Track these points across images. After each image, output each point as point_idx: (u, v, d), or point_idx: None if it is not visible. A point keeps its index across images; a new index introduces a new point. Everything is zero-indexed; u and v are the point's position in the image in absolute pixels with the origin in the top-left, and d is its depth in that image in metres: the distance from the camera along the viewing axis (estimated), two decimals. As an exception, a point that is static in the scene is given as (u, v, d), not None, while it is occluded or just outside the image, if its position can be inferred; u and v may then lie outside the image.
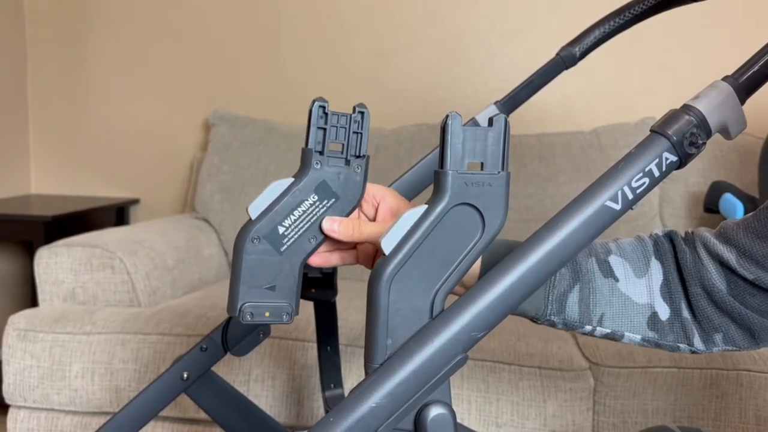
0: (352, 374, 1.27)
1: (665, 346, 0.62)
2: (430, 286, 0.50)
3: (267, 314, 0.59)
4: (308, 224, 0.59)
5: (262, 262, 0.58)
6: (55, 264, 1.50)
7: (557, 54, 0.90)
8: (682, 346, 0.62)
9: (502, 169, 0.50)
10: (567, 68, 0.91)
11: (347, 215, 0.61)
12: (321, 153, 0.59)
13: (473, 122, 0.88)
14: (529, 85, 0.92)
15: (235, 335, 0.87)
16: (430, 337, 0.47)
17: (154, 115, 2.25)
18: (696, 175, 1.81)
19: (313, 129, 0.58)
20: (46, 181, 2.34)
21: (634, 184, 0.48)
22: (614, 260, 0.63)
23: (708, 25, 1.96)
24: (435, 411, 0.48)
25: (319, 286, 0.88)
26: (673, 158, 0.49)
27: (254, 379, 1.32)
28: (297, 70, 2.16)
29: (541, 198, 1.81)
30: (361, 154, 0.60)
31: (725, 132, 0.50)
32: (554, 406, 1.24)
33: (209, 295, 1.60)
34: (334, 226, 0.59)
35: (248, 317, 0.58)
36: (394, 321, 0.49)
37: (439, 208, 0.50)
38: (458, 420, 0.49)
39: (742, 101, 0.50)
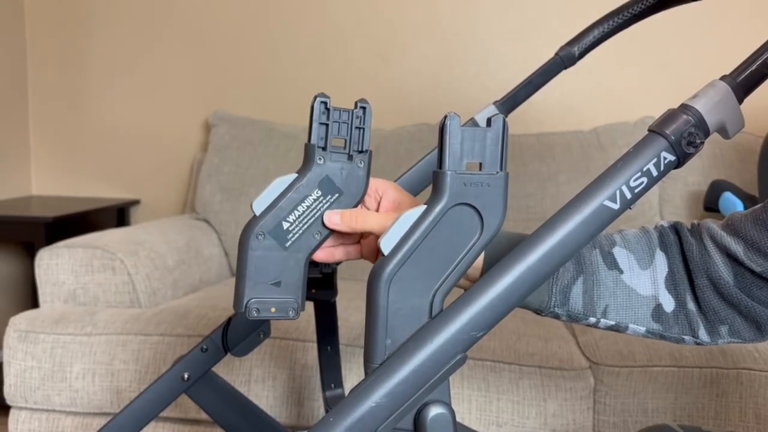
0: (352, 374, 1.27)
1: (670, 338, 0.62)
2: (430, 286, 0.50)
3: (273, 310, 0.59)
4: (312, 219, 0.59)
5: (267, 258, 0.58)
6: (56, 265, 1.50)
7: (556, 54, 0.90)
8: (686, 338, 0.62)
9: (501, 169, 0.50)
10: (566, 68, 0.91)
11: None
12: (324, 148, 0.59)
13: (472, 122, 0.88)
14: (528, 85, 0.92)
15: (235, 336, 0.87)
16: (429, 337, 0.47)
17: (154, 116, 2.25)
18: (696, 174, 1.81)
19: (315, 124, 0.58)
20: (47, 182, 2.34)
21: (633, 184, 0.49)
22: (618, 252, 0.63)
23: (707, 24, 1.96)
24: (434, 410, 0.48)
25: (319, 287, 0.88)
26: (672, 158, 0.49)
27: (255, 380, 1.32)
28: (296, 70, 2.16)
29: (540, 197, 1.81)
30: (364, 149, 0.60)
31: (723, 131, 0.51)
32: (555, 405, 1.24)
33: (210, 295, 1.60)
34: (335, 218, 0.59)
35: (254, 313, 0.58)
36: (394, 321, 0.49)
37: (437, 209, 0.50)
38: (459, 419, 0.49)
39: (740, 100, 0.50)
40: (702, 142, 0.49)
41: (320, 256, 0.62)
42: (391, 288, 0.49)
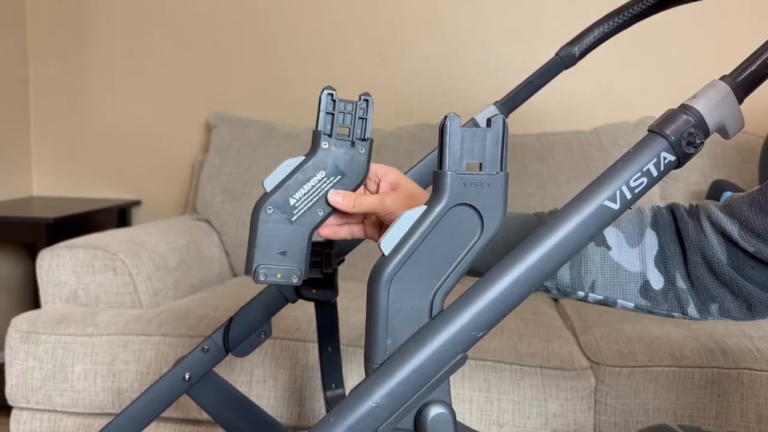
0: (353, 374, 1.27)
1: (659, 314, 0.65)
2: (430, 286, 0.50)
3: (278, 276, 0.65)
4: (317, 197, 0.66)
5: (275, 229, 0.65)
6: (57, 266, 1.50)
7: (556, 54, 0.90)
8: (675, 314, 0.64)
9: (501, 170, 0.50)
10: (566, 68, 0.91)
11: (353, 191, 0.67)
12: (329, 135, 0.65)
13: (473, 122, 0.88)
14: (528, 85, 0.92)
15: (236, 336, 0.87)
16: (429, 337, 0.47)
17: (155, 117, 2.26)
18: (696, 174, 1.81)
19: (322, 114, 0.65)
20: (48, 183, 2.35)
21: (633, 184, 0.49)
22: (608, 229, 0.65)
23: (708, 24, 1.96)
24: (435, 410, 0.48)
25: (319, 287, 0.88)
26: (671, 158, 0.49)
27: (256, 380, 1.32)
28: (297, 71, 2.16)
29: (541, 197, 1.81)
30: (366, 137, 0.67)
31: (723, 131, 0.51)
32: (555, 405, 1.24)
33: (211, 296, 1.60)
34: (338, 198, 0.65)
35: (261, 277, 0.64)
36: (394, 321, 0.49)
37: (438, 209, 0.50)
38: (460, 419, 0.50)
39: (740, 100, 0.50)
40: (702, 143, 0.49)
41: (325, 232, 0.68)
42: (392, 288, 0.49)
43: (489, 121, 0.50)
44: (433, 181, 0.51)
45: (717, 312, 0.63)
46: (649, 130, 0.50)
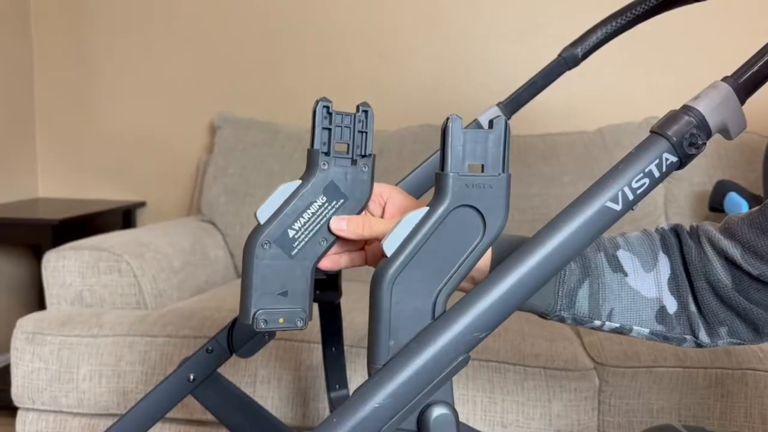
0: (357, 375, 1.27)
1: (672, 339, 0.63)
2: (432, 288, 0.50)
3: (281, 320, 0.58)
4: (318, 226, 0.58)
5: (273, 267, 0.57)
6: (63, 267, 1.51)
7: (559, 55, 0.90)
8: (688, 338, 0.63)
9: (503, 171, 0.50)
10: (569, 69, 0.90)
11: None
12: (327, 153, 0.58)
13: (475, 124, 0.88)
14: (531, 86, 0.92)
15: (240, 337, 0.87)
16: (432, 338, 0.48)
17: (159, 118, 2.26)
18: (700, 175, 1.81)
19: (318, 129, 0.57)
20: (54, 184, 2.35)
21: (635, 185, 0.49)
22: (622, 255, 0.63)
23: (712, 24, 1.96)
24: (437, 411, 0.48)
25: (323, 288, 0.88)
26: (673, 159, 0.49)
27: (260, 381, 1.32)
28: (300, 72, 2.17)
29: (545, 198, 1.81)
30: (367, 153, 0.60)
31: (725, 132, 0.51)
32: (559, 406, 1.24)
33: (215, 297, 1.61)
34: (342, 224, 0.58)
35: (262, 324, 0.57)
36: (397, 322, 0.49)
37: (440, 210, 0.50)
38: (463, 420, 0.50)
39: (742, 101, 0.50)
40: (704, 143, 0.49)
41: (325, 264, 0.61)
42: (394, 289, 0.49)
43: (491, 123, 0.50)
44: (435, 182, 0.51)
45: (726, 335, 0.62)
46: (650, 131, 0.50)
